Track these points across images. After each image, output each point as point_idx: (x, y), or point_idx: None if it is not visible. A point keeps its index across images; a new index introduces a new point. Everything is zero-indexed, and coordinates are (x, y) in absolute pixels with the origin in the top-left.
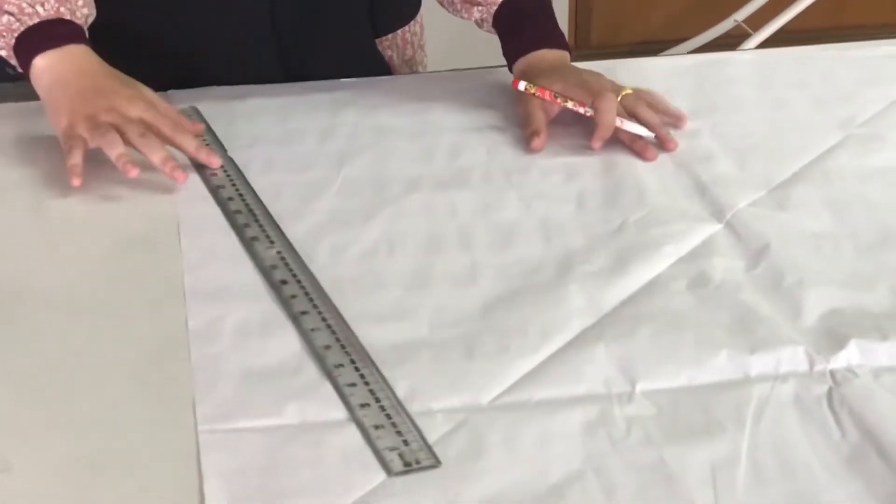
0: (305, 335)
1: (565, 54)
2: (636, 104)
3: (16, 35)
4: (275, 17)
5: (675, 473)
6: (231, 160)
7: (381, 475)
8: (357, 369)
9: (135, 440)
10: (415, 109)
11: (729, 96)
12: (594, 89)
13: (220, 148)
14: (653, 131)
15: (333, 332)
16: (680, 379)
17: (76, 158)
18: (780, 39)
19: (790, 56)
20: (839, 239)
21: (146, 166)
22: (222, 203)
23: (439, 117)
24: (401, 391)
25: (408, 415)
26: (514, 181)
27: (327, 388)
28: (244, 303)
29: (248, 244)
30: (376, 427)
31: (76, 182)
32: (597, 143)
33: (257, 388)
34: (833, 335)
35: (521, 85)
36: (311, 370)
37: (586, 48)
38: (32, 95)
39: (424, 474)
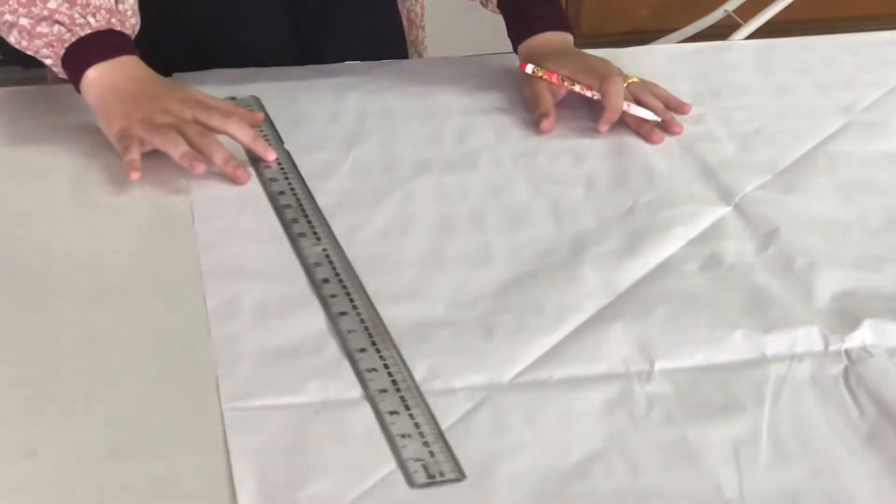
0: (334, 320)
1: (569, 37)
2: (641, 91)
3: (66, 45)
4: None
5: (697, 451)
6: (287, 153)
7: None
8: (390, 375)
9: (160, 423)
10: (421, 93)
11: (732, 82)
12: (602, 73)
13: (278, 140)
14: (658, 116)
15: (370, 336)
16: (697, 358)
17: (134, 154)
18: (770, 31)
19: (790, 43)
20: (847, 222)
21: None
22: (272, 197)
23: (446, 101)
24: (421, 369)
25: (437, 424)
26: (523, 164)
27: (348, 365)
28: (262, 281)
29: (293, 239)
30: (403, 436)
31: (135, 175)
32: (604, 127)
33: (279, 367)
34: (846, 316)
35: (529, 68)
36: (332, 348)
37: (576, 37)
38: (42, 81)
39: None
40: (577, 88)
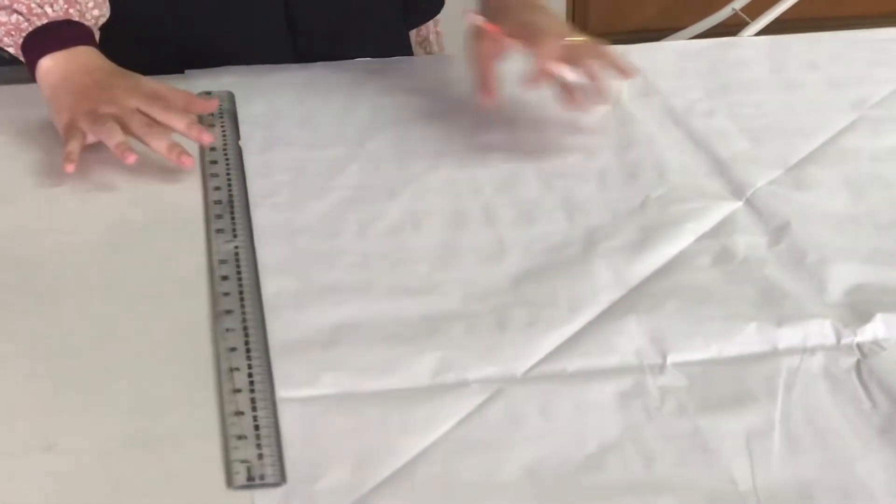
0: (220, 334)
1: None
2: (580, 52)
3: (24, 34)
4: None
5: (710, 443)
6: (239, 149)
7: (421, 443)
8: (251, 376)
9: (175, 415)
10: (432, 89)
11: (741, 78)
12: (534, 31)
13: (234, 134)
14: (592, 79)
15: (246, 336)
16: (710, 351)
17: (73, 146)
18: (778, 29)
19: (800, 39)
20: (858, 217)
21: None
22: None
23: (457, 97)
24: (434, 362)
25: (277, 429)
26: (535, 160)
27: (362, 358)
28: (272, 276)
29: (210, 234)
30: (238, 438)
31: (70, 168)
32: (526, 83)
33: (292, 360)
34: (858, 309)
35: (475, 18)
36: (346, 341)
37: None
38: (28, 80)
39: (463, 444)
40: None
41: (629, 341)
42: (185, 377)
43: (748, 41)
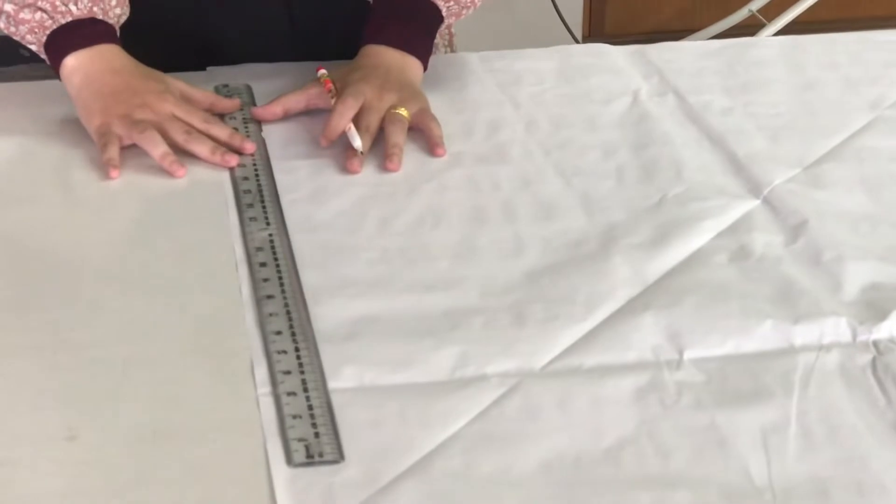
0: (264, 318)
1: (411, 62)
2: (390, 122)
3: (48, 32)
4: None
5: (726, 437)
6: (263, 140)
7: (439, 437)
8: (298, 358)
9: (196, 407)
10: (451, 87)
11: (759, 77)
12: (343, 89)
13: (258, 127)
14: (386, 152)
15: (290, 320)
16: (726, 347)
17: (112, 153)
18: (795, 31)
19: (817, 40)
20: (875, 216)
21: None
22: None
23: (475, 95)
24: (453, 356)
25: (330, 408)
26: (553, 157)
27: (382, 352)
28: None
29: (244, 223)
30: (294, 417)
31: (114, 174)
32: (323, 141)
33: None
34: (874, 307)
35: (321, 72)
36: (366, 335)
37: (600, 36)
38: (49, 76)
39: (481, 438)
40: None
41: (646, 337)
42: (210, 368)
43: (766, 41)
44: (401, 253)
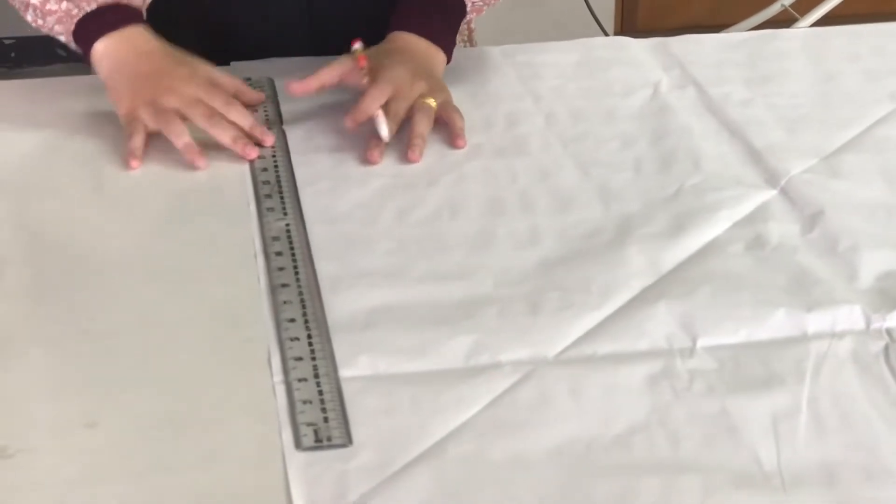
0: (278, 306)
1: (435, 52)
2: (418, 110)
3: (75, 20)
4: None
5: (737, 424)
6: (283, 132)
7: (452, 423)
8: (311, 345)
9: (213, 395)
10: (473, 80)
11: (780, 68)
12: (377, 76)
13: (278, 119)
14: (410, 141)
15: (304, 308)
16: (739, 335)
17: (137, 142)
18: (827, 25)
19: (840, 32)
20: (892, 206)
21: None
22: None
23: (496, 88)
24: (467, 344)
25: (340, 394)
26: (572, 149)
27: (398, 341)
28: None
29: (261, 213)
30: (304, 402)
31: (134, 164)
32: (348, 122)
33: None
34: (888, 296)
35: (356, 46)
36: (381, 324)
37: (632, 32)
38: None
39: (494, 424)
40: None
41: (660, 326)
42: (227, 357)
43: (789, 33)
44: (417, 243)
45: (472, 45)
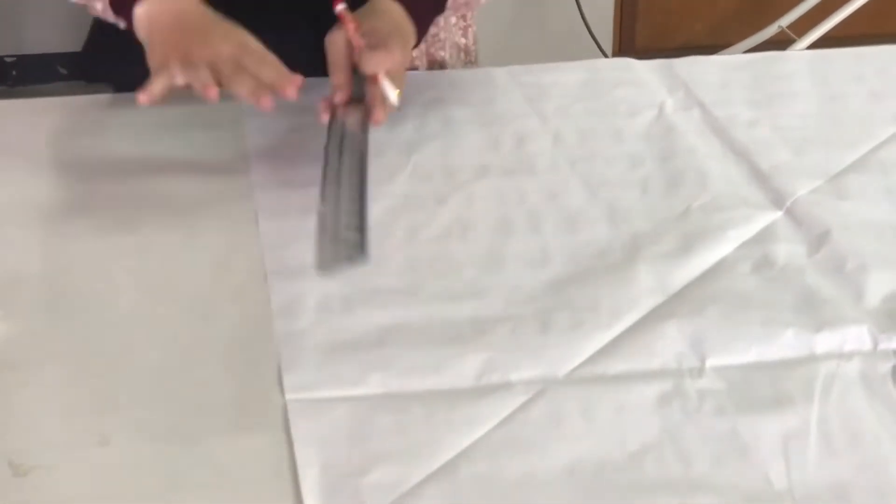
0: None
1: (410, 28)
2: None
3: None
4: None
5: (748, 443)
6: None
7: (465, 442)
8: None
9: (225, 413)
10: (478, 101)
11: (785, 90)
12: (381, 37)
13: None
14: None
15: None
16: (749, 355)
17: (157, 86)
18: (825, 46)
19: (844, 53)
20: None
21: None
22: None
23: (503, 108)
24: (479, 363)
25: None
26: (579, 169)
27: (409, 360)
28: (322, 279)
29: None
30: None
31: (143, 98)
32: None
33: (341, 360)
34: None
35: (340, 6)
36: (393, 342)
37: (630, 52)
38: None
39: (506, 443)
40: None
41: (669, 345)
42: (239, 376)
43: (793, 55)
44: (428, 262)
45: (475, 65)
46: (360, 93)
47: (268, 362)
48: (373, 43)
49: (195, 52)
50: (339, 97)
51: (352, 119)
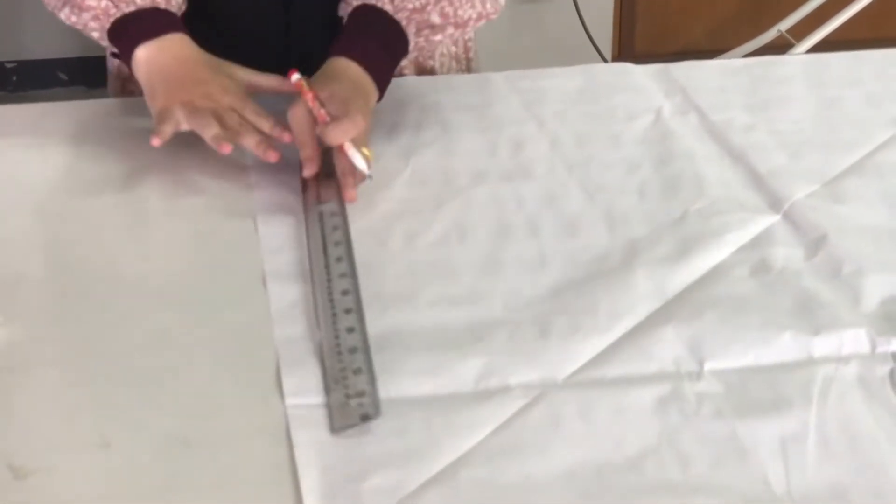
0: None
1: (370, 86)
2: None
3: (111, 19)
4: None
5: (746, 446)
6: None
7: (464, 446)
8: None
9: (225, 417)
10: (476, 106)
11: (782, 94)
12: (347, 107)
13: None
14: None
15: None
16: (747, 359)
17: (166, 128)
18: (824, 50)
19: (841, 57)
20: (895, 230)
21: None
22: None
23: (500, 113)
24: (478, 367)
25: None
26: (576, 174)
27: (408, 364)
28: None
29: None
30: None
31: (156, 141)
32: (309, 169)
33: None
34: (893, 320)
35: (295, 76)
36: (392, 347)
37: (630, 57)
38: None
39: (505, 447)
40: (322, 111)
41: (667, 349)
42: (238, 379)
43: (790, 59)
44: (426, 268)
45: (471, 71)
46: (331, 165)
47: (268, 366)
48: (334, 110)
49: (198, 102)
50: (308, 171)
51: (326, 194)
